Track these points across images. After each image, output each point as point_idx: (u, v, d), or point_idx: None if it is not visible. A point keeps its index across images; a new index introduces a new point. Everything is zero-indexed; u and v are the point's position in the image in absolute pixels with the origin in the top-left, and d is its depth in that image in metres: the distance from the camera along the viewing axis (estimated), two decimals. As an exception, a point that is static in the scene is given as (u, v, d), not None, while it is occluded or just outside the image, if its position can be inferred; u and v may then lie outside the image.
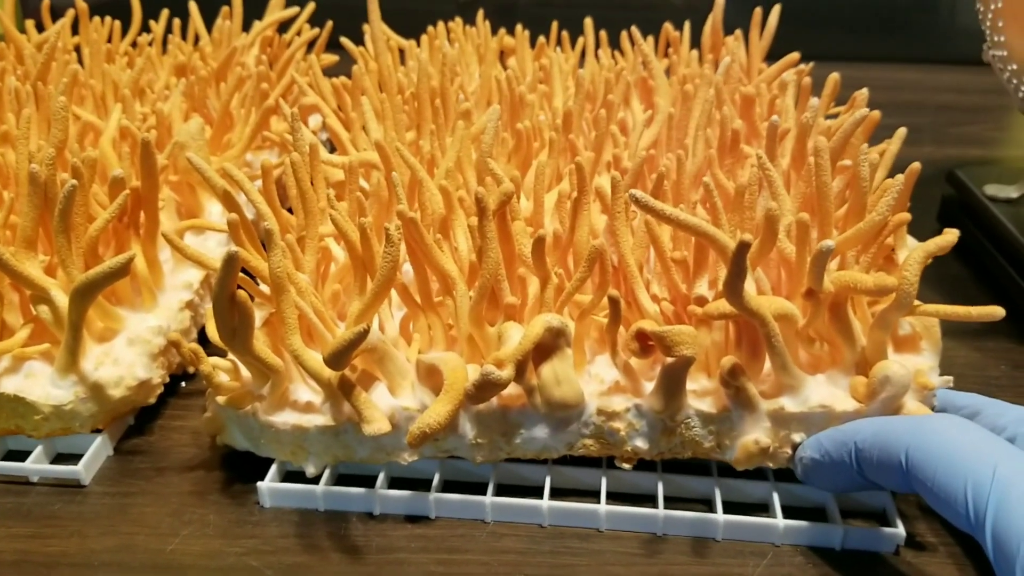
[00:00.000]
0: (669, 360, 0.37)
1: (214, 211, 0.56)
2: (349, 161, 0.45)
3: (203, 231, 0.53)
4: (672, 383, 0.38)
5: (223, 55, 0.66)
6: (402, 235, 0.39)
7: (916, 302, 0.37)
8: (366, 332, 0.34)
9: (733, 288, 0.34)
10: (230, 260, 0.34)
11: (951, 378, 0.39)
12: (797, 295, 0.39)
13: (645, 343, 0.38)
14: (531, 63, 0.68)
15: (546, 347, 0.38)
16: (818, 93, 0.56)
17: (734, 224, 0.40)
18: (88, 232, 0.43)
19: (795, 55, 0.62)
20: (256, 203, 0.43)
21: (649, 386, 0.39)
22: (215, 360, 0.40)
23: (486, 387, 0.36)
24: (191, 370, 0.49)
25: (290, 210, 0.47)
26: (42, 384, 0.42)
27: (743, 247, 0.33)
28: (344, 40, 0.67)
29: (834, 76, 0.57)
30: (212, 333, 0.41)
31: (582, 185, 0.42)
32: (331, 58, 0.74)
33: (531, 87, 0.60)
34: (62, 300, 0.42)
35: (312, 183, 0.46)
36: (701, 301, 0.39)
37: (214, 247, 0.53)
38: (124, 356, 0.43)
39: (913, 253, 0.36)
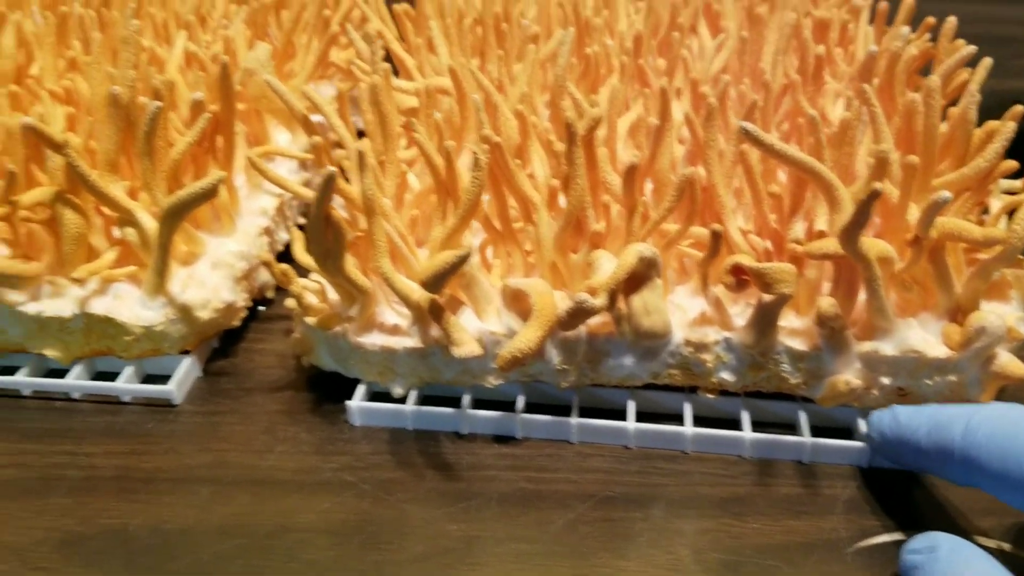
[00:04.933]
0: (766, 297, 0.37)
1: (281, 140, 0.56)
2: (425, 86, 0.45)
3: (273, 158, 0.53)
4: (766, 319, 0.38)
5: (281, -19, 0.65)
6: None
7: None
8: (468, 255, 0.35)
9: (851, 233, 0.34)
10: (329, 179, 0.34)
11: None
12: (894, 237, 0.39)
13: (740, 277, 0.38)
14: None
15: (637, 277, 0.38)
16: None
17: (833, 160, 0.40)
18: (170, 155, 0.43)
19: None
20: (337, 127, 0.43)
21: (737, 319, 0.39)
22: (303, 281, 0.41)
23: (579, 314, 0.37)
24: (269, 295, 0.49)
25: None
26: (131, 306, 0.43)
27: (874, 195, 0.32)
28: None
29: (908, 1, 0.56)
30: (299, 254, 0.41)
31: (665, 112, 0.41)
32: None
33: (595, 12, 0.59)
34: (149, 223, 0.42)
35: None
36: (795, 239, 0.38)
37: (285, 174, 0.53)
38: (208, 279, 0.44)
39: None
